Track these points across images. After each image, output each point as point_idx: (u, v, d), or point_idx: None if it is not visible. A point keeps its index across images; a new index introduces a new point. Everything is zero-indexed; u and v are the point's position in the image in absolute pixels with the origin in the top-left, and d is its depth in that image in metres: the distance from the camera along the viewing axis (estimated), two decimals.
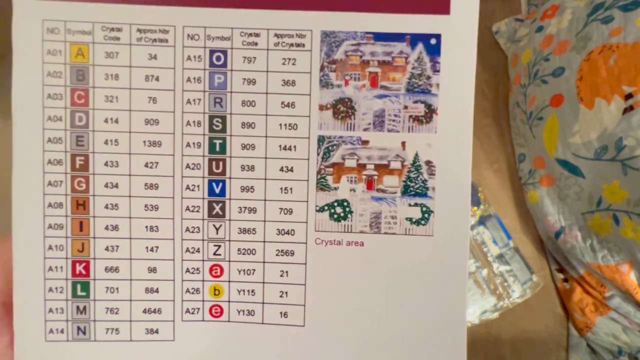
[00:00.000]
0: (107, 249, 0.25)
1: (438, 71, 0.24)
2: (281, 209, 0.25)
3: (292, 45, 0.24)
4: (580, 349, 0.54)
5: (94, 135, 0.24)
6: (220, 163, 0.25)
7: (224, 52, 0.24)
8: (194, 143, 0.24)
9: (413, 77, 0.24)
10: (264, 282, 0.25)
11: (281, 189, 0.25)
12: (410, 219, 0.25)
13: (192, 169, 0.25)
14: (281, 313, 0.25)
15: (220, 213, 0.25)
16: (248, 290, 0.25)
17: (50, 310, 0.25)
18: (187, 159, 0.24)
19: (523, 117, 0.55)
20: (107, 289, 0.25)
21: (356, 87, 0.24)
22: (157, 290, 0.25)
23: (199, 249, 0.25)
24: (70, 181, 0.24)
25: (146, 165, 0.24)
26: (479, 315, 0.53)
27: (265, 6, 0.24)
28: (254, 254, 0.25)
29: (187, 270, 0.25)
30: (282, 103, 0.24)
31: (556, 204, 0.52)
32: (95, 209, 0.25)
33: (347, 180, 0.24)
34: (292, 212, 0.25)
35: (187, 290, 0.25)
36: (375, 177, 0.24)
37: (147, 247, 0.25)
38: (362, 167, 0.24)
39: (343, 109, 0.24)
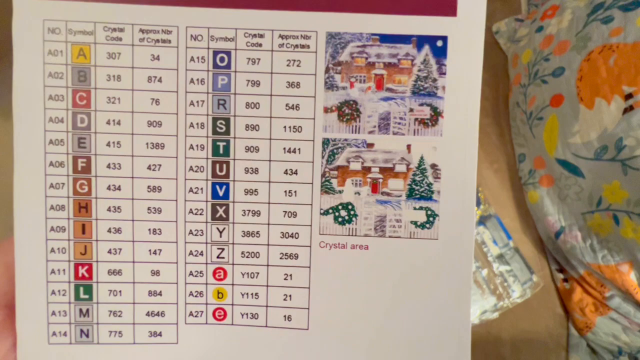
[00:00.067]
0: (109, 251, 0.24)
1: (444, 74, 0.24)
2: (285, 212, 0.25)
3: (296, 46, 0.24)
4: (580, 349, 0.54)
5: (96, 137, 0.24)
6: (224, 165, 0.24)
7: (228, 53, 0.24)
8: (197, 145, 0.24)
9: (419, 80, 0.24)
10: (267, 286, 0.25)
11: (285, 191, 0.24)
12: (415, 223, 0.24)
13: (196, 171, 0.24)
14: (285, 316, 0.25)
15: (224, 216, 0.25)
16: (252, 294, 0.25)
17: (53, 313, 0.24)
18: (190, 162, 0.24)
19: (523, 117, 0.55)
20: (110, 292, 0.25)
21: (361, 90, 0.24)
22: (160, 293, 0.25)
23: (202, 251, 0.25)
24: (72, 183, 0.24)
25: (149, 167, 0.24)
26: (479, 315, 0.53)
27: (270, 7, 0.23)
28: (257, 257, 0.25)
29: (191, 273, 0.25)
30: (287, 105, 0.24)
31: (556, 204, 0.52)
32: (98, 211, 0.24)
33: (352, 184, 0.24)
34: (296, 215, 0.25)
35: (191, 293, 0.25)
36: (380, 180, 0.24)
37: (150, 250, 0.25)
38: (367, 170, 0.24)
39: (348, 112, 0.24)
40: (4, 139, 0.24)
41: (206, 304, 0.25)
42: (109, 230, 0.24)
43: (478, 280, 0.53)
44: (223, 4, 0.24)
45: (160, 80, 0.24)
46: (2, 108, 0.24)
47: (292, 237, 0.25)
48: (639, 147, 0.42)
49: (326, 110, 0.24)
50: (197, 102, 0.24)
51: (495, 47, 0.61)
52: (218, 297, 0.25)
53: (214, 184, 0.24)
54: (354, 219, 0.24)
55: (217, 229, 0.25)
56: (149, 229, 0.25)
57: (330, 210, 0.25)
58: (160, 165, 0.24)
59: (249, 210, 0.25)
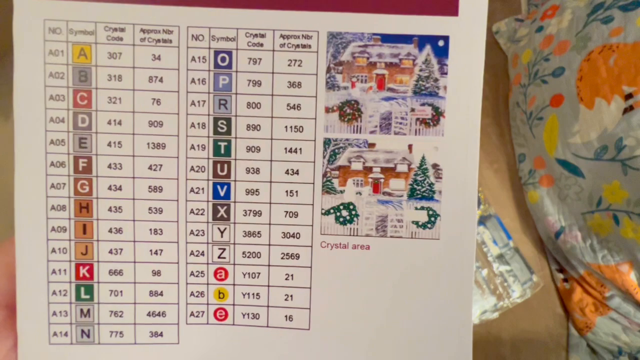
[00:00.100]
0: (111, 251, 0.24)
1: (446, 73, 0.24)
2: (286, 212, 0.25)
3: (298, 46, 0.24)
4: (580, 349, 0.54)
5: (97, 137, 0.24)
6: (225, 165, 0.24)
7: (229, 53, 0.24)
8: (198, 145, 0.24)
9: (420, 80, 0.24)
10: (269, 286, 0.25)
11: (286, 191, 0.24)
12: (416, 223, 0.24)
13: (197, 171, 0.24)
14: (286, 316, 0.25)
15: (225, 216, 0.25)
16: (253, 294, 0.25)
17: (54, 313, 0.24)
18: (191, 161, 0.24)
19: (523, 117, 0.55)
20: (111, 292, 0.25)
21: (363, 89, 0.24)
22: (161, 294, 0.25)
23: (203, 252, 0.25)
24: (73, 183, 0.24)
25: (150, 167, 0.24)
26: (479, 315, 0.53)
27: (271, 6, 0.23)
28: (259, 257, 0.25)
29: (192, 274, 0.25)
30: (288, 105, 0.24)
31: (556, 204, 0.52)
32: (99, 211, 0.24)
33: (353, 183, 0.24)
34: (297, 215, 0.25)
35: (192, 294, 0.25)
36: (382, 180, 0.24)
37: (151, 250, 0.25)
38: (368, 170, 0.24)
39: (349, 111, 0.24)
40: (4, 139, 0.24)
41: (207, 304, 0.25)
42: (110, 231, 0.24)
43: (478, 280, 0.53)
44: (224, 3, 0.24)
45: (161, 80, 0.24)
46: (2, 108, 0.24)
47: (294, 237, 0.25)
48: (639, 147, 0.42)
49: (327, 110, 0.24)
50: (198, 102, 0.24)
51: (495, 47, 0.61)
52: (219, 297, 0.25)
53: (215, 184, 0.24)
54: (355, 219, 0.24)
55: (218, 229, 0.25)
56: (150, 229, 0.24)
57: (332, 210, 0.24)
58: (161, 165, 0.24)
59: (250, 210, 0.25)
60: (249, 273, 0.25)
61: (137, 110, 0.24)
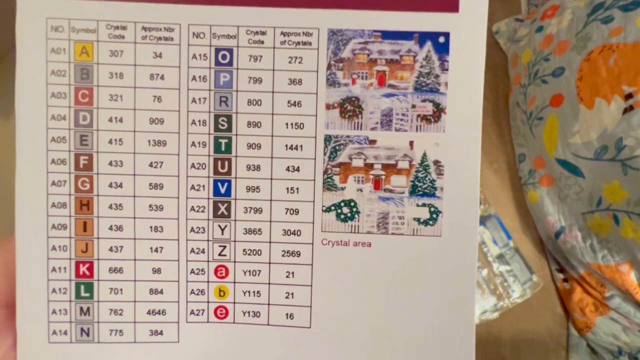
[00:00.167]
0: (111, 249, 0.24)
1: (446, 70, 0.24)
2: (287, 209, 0.25)
3: (298, 43, 0.24)
4: (580, 349, 0.54)
5: (98, 135, 0.24)
6: (226, 163, 0.24)
7: (230, 51, 0.24)
8: (199, 142, 0.24)
9: (421, 76, 0.24)
10: (269, 283, 0.25)
11: (287, 189, 0.24)
12: (418, 220, 0.24)
13: (197, 168, 0.24)
14: (287, 314, 0.25)
15: (226, 213, 0.25)
16: (253, 292, 0.25)
17: (54, 312, 0.24)
18: (192, 159, 0.24)
19: (523, 117, 0.55)
20: (111, 290, 0.25)
21: (363, 86, 0.24)
22: (161, 292, 0.25)
23: (204, 249, 0.25)
24: (74, 181, 0.24)
25: (151, 164, 0.24)
26: (479, 315, 0.53)
27: (272, 4, 0.23)
28: (259, 255, 0.25)
29: (192, 271, 0.25)
30: (289, 102, 0.24)
31: (556, 204, 0.52)
32: (100, 209, 0.24)
33: (354, 180, 0.24)
34: (298, 212, 0.24)
35: (192, 291, 0.25)
36: (383, 177, 0.24)
37: (151, 248, 0.24)
38: (369, 166, 0.24)
39: (350, 108, 0.24)
40: (4, 138, 0.24)
41: (208, 302, 0.25)
42: (110, 228, 0.24)
43: (478, 280, 0.53)
44: (225, 1, 0.24)
45: (162, 77, 0.24)
46: (2, 108, 0.24)
47: (294, 234, 0.25)
48: (639, 147, 0.42)
49: (328, 107, 0.24)
50: (199, 99, 0.24)
51: (495, 47, 0.61)
52: (220, 295, 0.25)
53: (215, 181, 0.24)
54: (356, 216, 0.24)
55: (219, 226, 0.25)
56: (151, 227, 0.24)
57: (333, 208, 0.24)
58: (162, 162, 0.24)
59: (251, 208, 0.25)
60: (249, 271, 0.25)
61: (138, 107, 0.24)
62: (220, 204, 0.24)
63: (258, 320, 0.25)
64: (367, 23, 0.23)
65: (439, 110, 0.24)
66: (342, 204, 0.24)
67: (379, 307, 0.25)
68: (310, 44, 0.24)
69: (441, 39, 0.23)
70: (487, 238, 0.54)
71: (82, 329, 0.25)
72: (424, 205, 0.24)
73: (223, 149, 0.24)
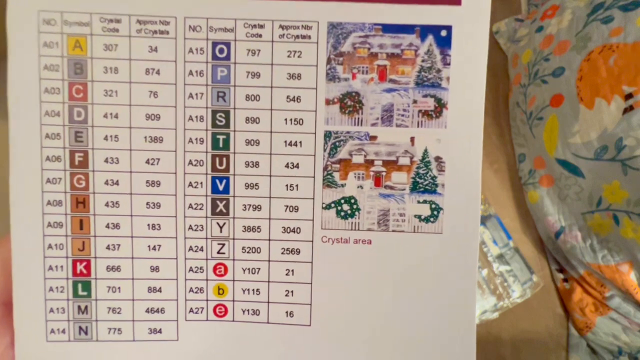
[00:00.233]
0: (108, 247, 0.24)
1: (448, 64, 0.23)
2: (287, 206, 0.24)
3: (297, 37, 0.23)
4: (580, 349, 0.54)
5: (93, 131, 0.24)
6: (224, 159, 0.24)
7: (227, 44, 0.23)
8: (196, 139, 0.24)
9: (423, 71, 0.23)
10: (269, 281, 0.25)
11: (286, 185, 0.24)
12: (419, 216, 0.24)
13: (195, 165, 0.24)
14: (287, 312, 0.25)
15: (224, 211, 0.24)
16: (253, 290, 0.25)
17: (51, 310, 0.24)
18: (189, 155, 0.24)
19: (523, 117, 0.55)
20: (108, 289, 0.24)
21: (364, 81, 0.24)
22: (160, 290, 0.24)
23: (202, 247, 0.24)
24: (69, 178, 0.24)
25: (147, 161, 0.24)
26: (479, 315, 0.52)
27: None
28: (258, 253, 0.24)
29: (191, 269, 0.24)
30: (288, 97, 0.24)
31: (556, 204, 0.52)
32: (96, 206, 0.24)
33: (355, 177, 0.24)
34: (297, 209, 0.24)
35: (191, 290, 0.25)
36: (384, 174, 0.24)
37: (149, 246, 0.24)
38: (369, 163, 0.24)
39: (350, 104, 0.24)
40: (4, 138, 0.24)
41: (207, 300, 0.25)
42: (107, 226, 0.24)
43: (478, 280, 0.53)
44: None
45: (158, 72, 0.23)
46: (2, 107, 0.24)
47: (294, 231, 0.24)
48: (639, 147, 0.42)
49: (328, 102, 0.24)
50: (196, 94, 0.24)
51: (495, 47, 0.61)
52: (219, 293, 0.25)
53: (213, 178, 0.24)
54: (356, 213, 0.24)
55: (218, 224, 0.24)
56: (148, 225, 0.24)
57: (333, 205, 0.24)
58: (159, 159, 0.24)
59: (250, 205, 0.24)
60: (248, 268, 0.25)
61: (134, 103, 0.23)
62: (218, 202, 0.24)
63: (257, 318, 0.25)
64: (368, 16, 0.23)
65: (440, 106, 0.24)
66: (342, 201, 0.24)
67: (379, 305, 0.24)
68: (309, 37, 0.23)
69: (443, 33, 0.23)
70: (487, 238, 0.54)
71: (80, 328, 0.24)
72: (425, 202, 0.24)
73: (221, 145, 0.24)
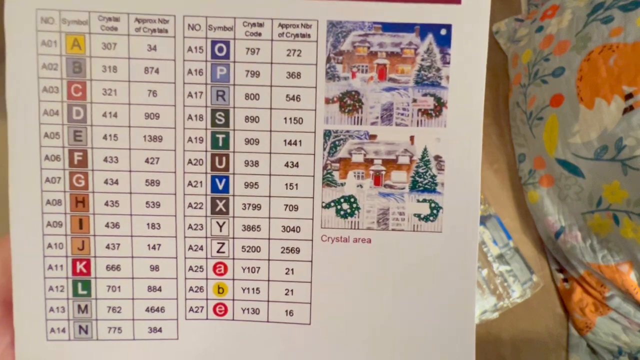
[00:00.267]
0: (108, 246, 0.24)
1: (448, 63, 0.23)
2: (286, 205, 0.24)
3: (297, 35, 0.23)
4: (580, 349, 0.54)
5: (92, 130, 0.24)
6: (224, 158, 0.24)
7: (227, 43, 0.23)
8: (196, 138, 0.24)
9: (422, 69, 0.23)
10: (269, 280, 0.25)
11: (286, 184, 0.24)
12: (418, 215, 0.24)
13: (194, 164, 0.24)
14: (287, 311, 0.25)
15: (224, 210, 0.24)
16: (253, 289, 0.25)
17: (51, 309, 0.24)
18: (189, 154, 0.24)
19: (523, 117, 0.55)
20: (108, 288, 0.24)
21: (364, 80, 0.24)
22: (159, 289, 0.24)
23: (202, 246, 0.24)
24: (68, 177, 0.24)
25: (147, 160, 0.24)
26: (479, 315, 0.52)
27: None
28: (258, 252, 0.24)
29: (191, 268, 0.24)
30: (287, 96, 0.24)
31: (556, 204, 0.52)
32: (95, 206, 0.24)
33: (354, 176, 0.24)
34: (297, 208, 0.24)
35: (191, 289, 0.25)
36: (383, 173, 0.24)
37: (149, 245, 0.24)
38: (369, 162, 0.24)
39: (350, 102, 0.24)
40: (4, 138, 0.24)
41: (206, 299, 0.25)
42: (107, 225, 0.24)
43: (478, 280, 0.53)
44: None
45: (157, 71, 0.23)
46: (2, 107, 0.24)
47: (294, 230, 0.24)
48: (639, 147, 0.42)
49: (327, 101, 0.24)
50: (196, 93, 0.24)
51: (495, 47, 0.61)
52: (218, 292, 0.25)
53: (213, 177, 0.24)
54: (356, 212, 0.24)
55: (217, 223, 0.24)
56: (148, 224, 0.24)
57: (332, 203, 0.24)
58: (158, 158, 0.24)
59: (250, 204, 0.24)
60: (248, 267, 0.25)
61: (133, 102, 0.23)
62: (218, 201, 0.24)
63: (257, 317, 0.25)
64: (367, 15, 0.23)
65: (440, 105, 0.23)
66: (342, 200, 0.24)
67: (379, 304, 0.24)
68: (309, 36, 0.23)
69: (443, 32, 0.23)
70: (487, 238, 0.54)
71: (80, 327, 0.24)
72: (424, 200, 0.24)
73: (220, 144, 0.24)
